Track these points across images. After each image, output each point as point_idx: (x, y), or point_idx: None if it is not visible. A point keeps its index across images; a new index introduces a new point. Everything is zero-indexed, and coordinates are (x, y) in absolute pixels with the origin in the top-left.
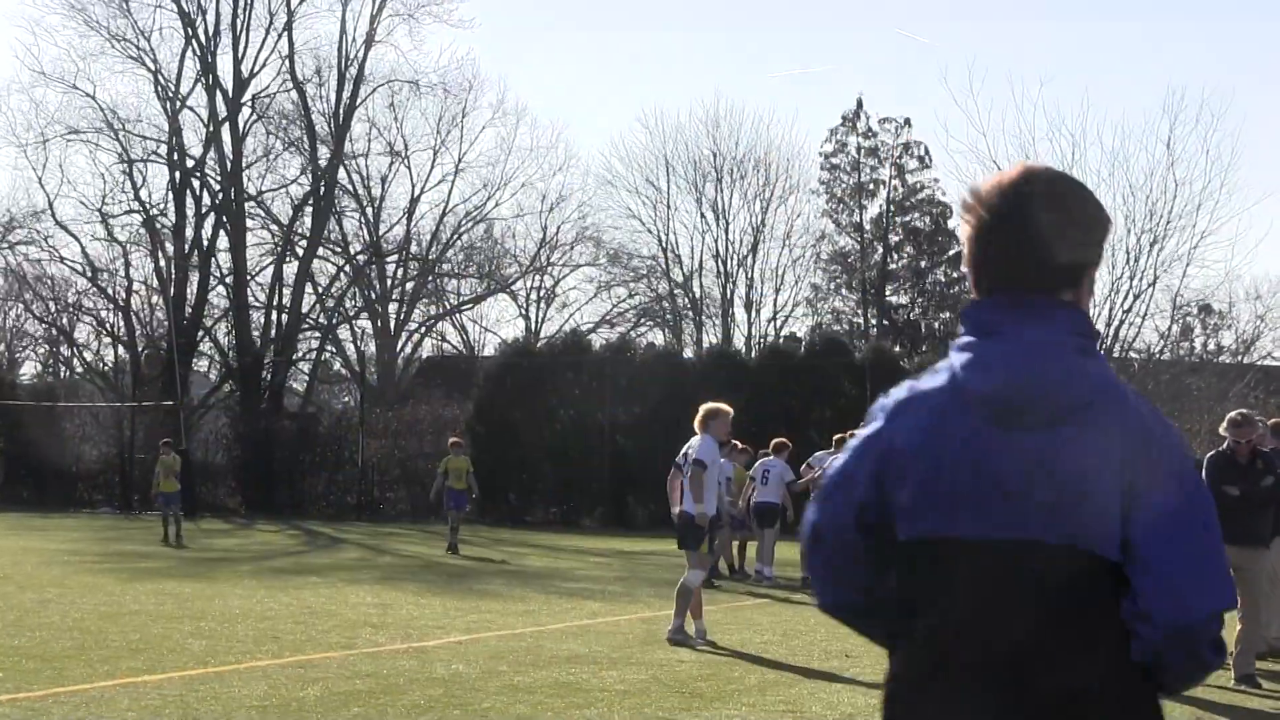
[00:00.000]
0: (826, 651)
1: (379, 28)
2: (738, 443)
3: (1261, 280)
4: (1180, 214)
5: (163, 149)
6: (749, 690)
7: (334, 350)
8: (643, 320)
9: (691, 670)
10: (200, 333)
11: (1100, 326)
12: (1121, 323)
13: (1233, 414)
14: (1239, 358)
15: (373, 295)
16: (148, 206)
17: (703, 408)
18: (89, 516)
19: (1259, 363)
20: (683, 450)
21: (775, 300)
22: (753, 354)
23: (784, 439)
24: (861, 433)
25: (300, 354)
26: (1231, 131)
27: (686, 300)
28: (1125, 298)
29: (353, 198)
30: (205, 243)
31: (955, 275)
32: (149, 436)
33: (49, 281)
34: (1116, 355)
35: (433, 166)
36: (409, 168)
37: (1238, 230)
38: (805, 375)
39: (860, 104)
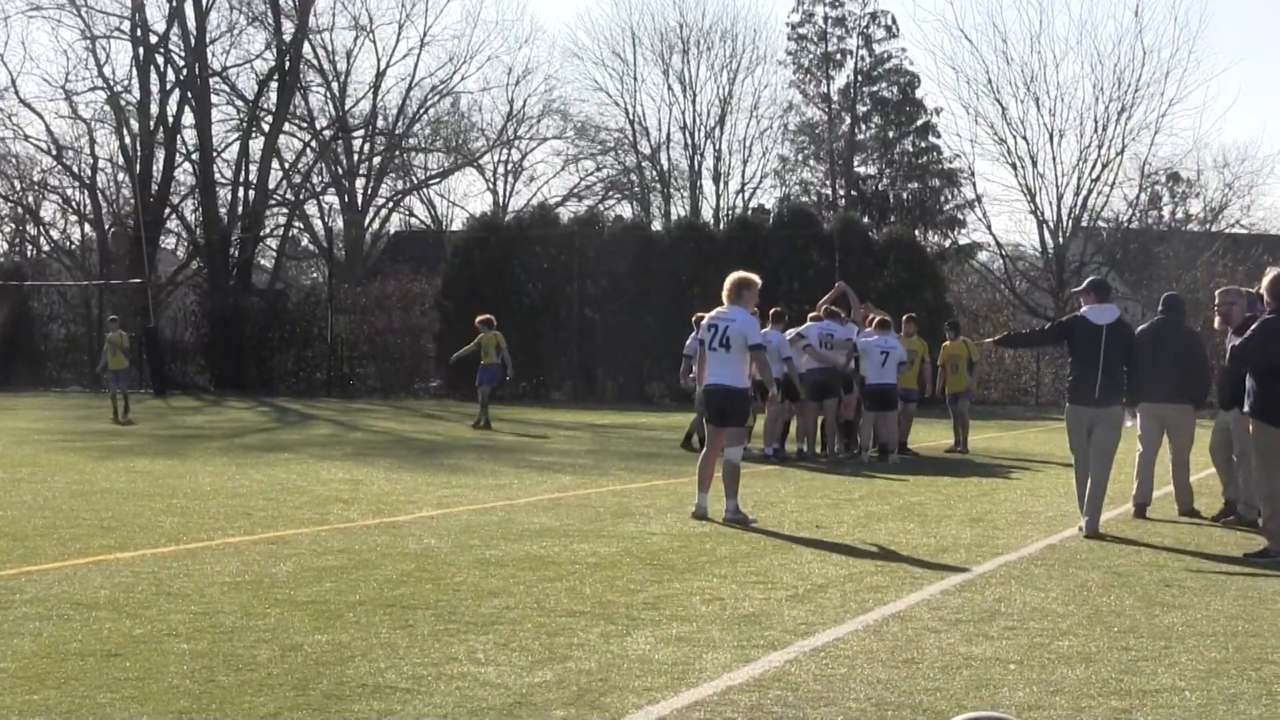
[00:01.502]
0: (798, 523)
1: None
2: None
3: (1230, 148)
4: (1148, 82)
5: (126, 25)
6: (720, 561)
7: (301, 226)
8: (610, 193)
9: (662, 542)
10: (167, 210)
11: (1068, 195)
12: (1090, 191)
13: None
14: (1207, 226)
15: (339, 171)
16: (111, 83)
17: (735, 277)
18: (58, 395)
19: (1227, 230)
20: (708, 323)
21: (743, 172)
22: (721, 226)
23: (779, 309)
24: None
25: (268, 230)
26: None
27: (654, 173)
28: (1093, 166)
29: (318, 73)
30: (170, 119)
31: (923, 145)
32: (118, 314)
33: (14, 160)
34: (1085, 224)
35: (398, 40)
36: (374, 42)
37: (1206, 98)
38: (774, 246)
39: None
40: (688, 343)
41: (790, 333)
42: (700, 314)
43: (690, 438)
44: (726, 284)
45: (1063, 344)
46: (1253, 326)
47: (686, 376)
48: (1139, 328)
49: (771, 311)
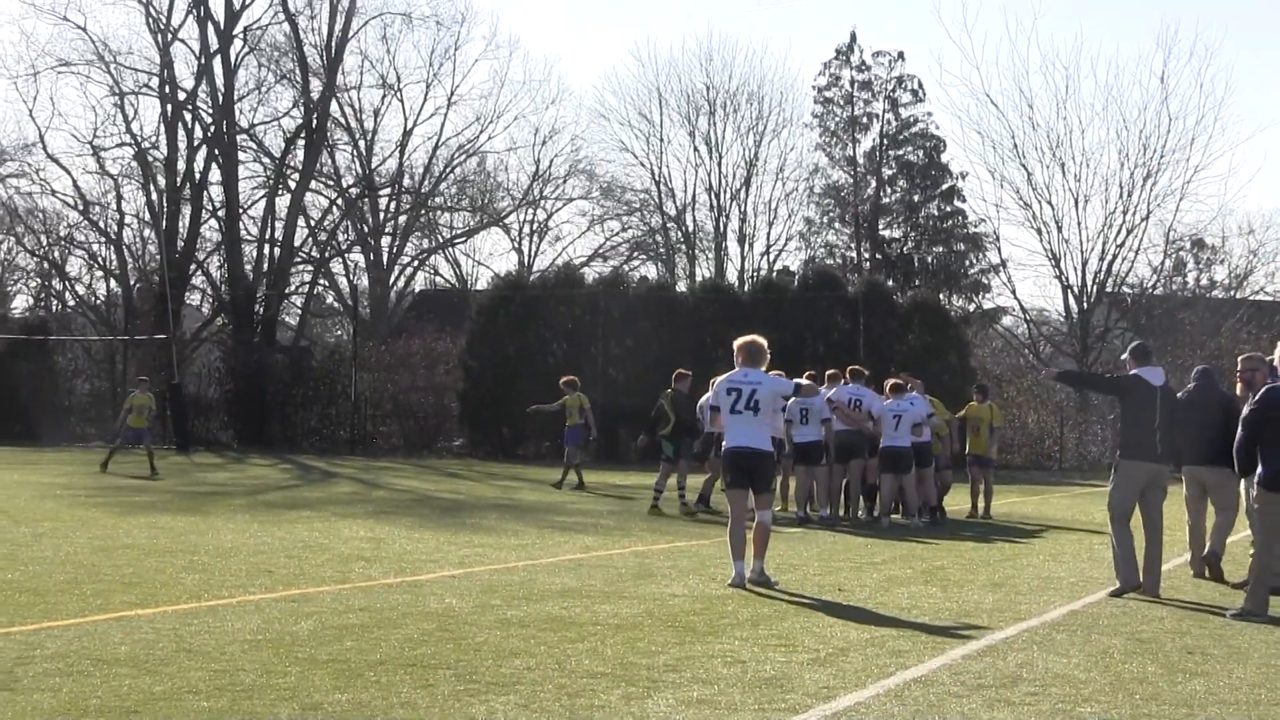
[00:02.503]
0: (820, 585)
1: None
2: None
3: (1254, 215)
4: (1174, 148)
5: (154, 82)
6: (741, 624)
7: (326, 284)
8: (636, 254)
9: (684, 604)
10: (192, 266)
11: (1093, 261)
12: (1115, 257)
13: None
14: (1231, 292)
15: (365, 229)
16: (139, 140)
17: (751, 340)
18: (81, 450)
19: (1251, 297)
20: (727, 387)
21: (768, 234)
22: (746, 288)
23: (815, 373)
24: None
25: (293, 288)
26: (1225, 66)
27: (679, 234)
28: (1119, 232)
29: (345, 131)
30: (197, 176)
31: (948, 209)
32: (141, 370)
33: (41, 215)
34: (1109, 290)
35: (425, 99)
36: (401, 101)
37: (1231, 165)
38: (798, 309)
39: (854, 37)
40: (705, 401)
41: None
42: (812, 374)
43: (700, 499)
44: (741, 345)
45: (1114, 397)
46: (1259, 394)
47: (711, 426)
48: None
49: (808, 375)
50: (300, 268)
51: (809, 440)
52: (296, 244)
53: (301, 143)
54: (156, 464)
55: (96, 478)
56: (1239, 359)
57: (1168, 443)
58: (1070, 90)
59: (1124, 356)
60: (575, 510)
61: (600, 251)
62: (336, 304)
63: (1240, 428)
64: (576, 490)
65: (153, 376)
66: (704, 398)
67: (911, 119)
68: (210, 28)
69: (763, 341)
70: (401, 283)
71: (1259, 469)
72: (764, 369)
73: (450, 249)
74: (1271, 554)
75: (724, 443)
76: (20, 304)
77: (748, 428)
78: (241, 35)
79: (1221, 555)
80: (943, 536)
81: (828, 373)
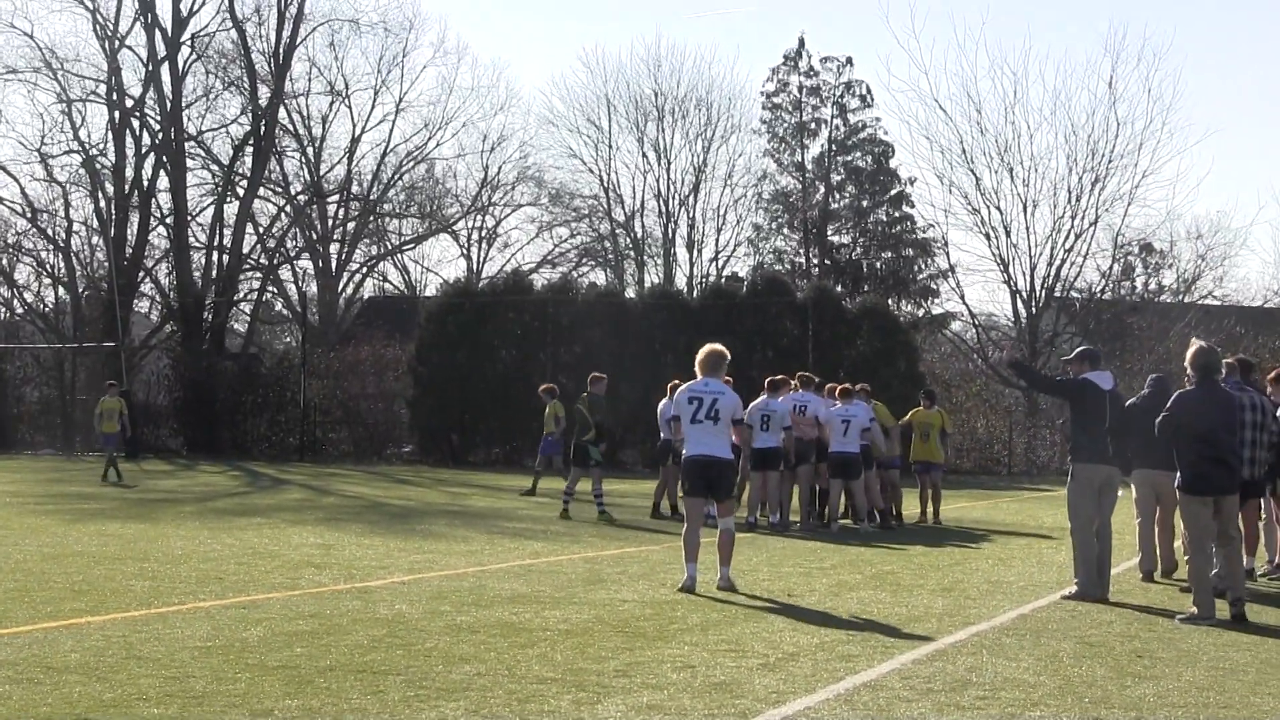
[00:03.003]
0: (769, 591)
1: None
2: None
3: (1202, 219)
4: (1122, 153)
5: (102, 89)
6: (691, 629)
7: (275, 291)
8: (585, 260)
9: (634, 610)
10: (141, 274)
11: (1042, 266)
12: (1063, 262)
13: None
14: (1180, 297)
15: (314, 236)
16: (87, 147)
17: (714, 350)
18: (30, 458)
19: (1200, 302)
20: (689, 396)
21: (717, 240)
22: (695, 294)
23: (784, 377)
24: None
25: (241, 295)
26: (1173, 71)
27: (628, 240)
28: (1067, 237)
29: (293, 138)
30: (145, 183)
31: (897, 215)
32: (90, 378)
33: None
34: (1058, 295)
35: (373, 106)
36: (350, 107)
37: (1179, 169)
38: (747, 315)
39: (802, 43)
40: (663, 407)
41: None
42: (676, 381)
43: (659, 506)
44: (703, 356)
45: (1063, 400)
46: (1172, 398)
47: (676, 438)
48: (1128, 400)
49: (769, 380)
50: (249, 275)
51: (768, 446)
52: (245, 251)
53: (250, 150)
54: (118, 470)
55: (46, 485)
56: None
57: (1121, 448)
58: (1018, 95)
59: (1067, 359)
60: (525, 516)
61: (549, 258)
62: (285, 311)
63: (1158, 432)
64: (526, 495)
65: (101, 384)
66: (662, 404)
67: (860, 124)
68: (158, 34)
69: (724, 352)
70: (350, 289)
71: (1180, 472)
72: (721, 378)
73: (399, 256)
74: (1205, 555)
75: (685, 451)
76: None
77: (708, 436)
78: (189, 42)
79: (1174, 562)
80: (892, 541)
81: (770, 380)
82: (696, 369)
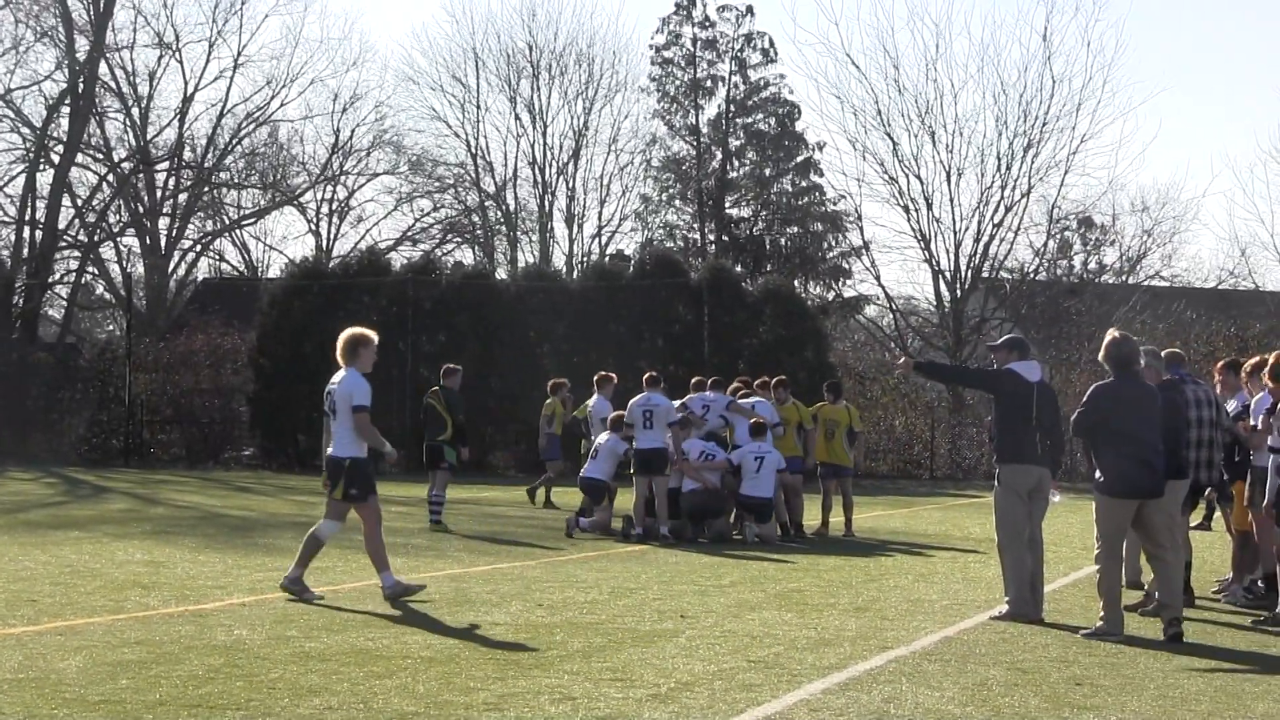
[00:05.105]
0: (660, 612)
1: None
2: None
3: (1149, 190)
4: (1058, 115)
5: None
6: (572, 656)
7: (96, 272)
8: (450, 236)
9: (507, 634)
10: None
11: (968, 242)
12: (992, 238)
13: None
14: (1123, 277)
15: (140, 209)
16: None
17: (351, 335)
18: None
19: (1145, 283)
20: (328, 387)
21: (600, 213)
22: (575, 274)
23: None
24: None
25: (57, 276)
26: (1115, 21)
27: (499, 214)
28: (995, 209)
29: (116, 97)
30: None
31: (804, 184)
32: None
33: None
34: (986, 275)
35: (208, 61)
36: (181, 62)
37: (1122, 133)
38: (635, 298)
39: None
40: (594, 404)
41: (675, 403)
42: (653, 374)
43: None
44: (343, 342)
45: (982, 392)
46: (1088, 393)
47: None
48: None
49: (646, 376)
50: (66, 253)
51: (651, 447)
52: (61, 226)
53: (66, 110)
54: None
55: None
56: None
57: (1054, 447)
58: (941, 49)
59: (991, 344)
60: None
61: (409, 234)
62: (108, 295)
63: (1071, 431)
64: (547, 508)
65: None
66: (592, 401)
67: (762, 82)
68: None
69: (363, 334)
70: (182, 270)
71: (1096, 473)
72: (361, 367)
73: (238, 231)
74: (1116, 561)
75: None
76: None
77: (339, 435)
78: None
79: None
80: (798, 555)
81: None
82: (338, 357)
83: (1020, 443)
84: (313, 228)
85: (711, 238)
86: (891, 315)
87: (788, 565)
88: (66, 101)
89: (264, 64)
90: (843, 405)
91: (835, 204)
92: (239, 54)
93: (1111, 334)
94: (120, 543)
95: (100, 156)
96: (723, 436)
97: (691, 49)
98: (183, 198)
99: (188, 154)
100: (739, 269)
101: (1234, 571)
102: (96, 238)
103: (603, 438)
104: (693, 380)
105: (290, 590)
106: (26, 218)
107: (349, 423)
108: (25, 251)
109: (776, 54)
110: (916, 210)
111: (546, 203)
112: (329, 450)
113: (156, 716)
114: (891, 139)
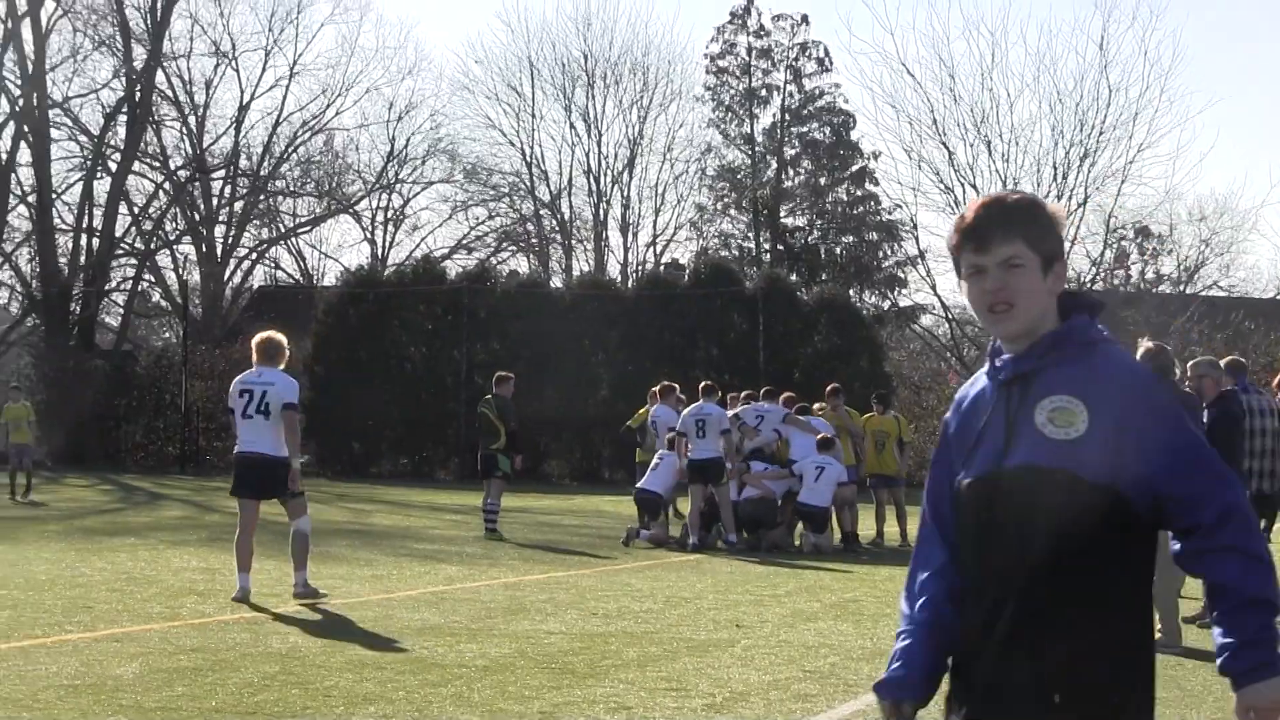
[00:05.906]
0: (715, 621)
1: None
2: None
3: (1206, 200)
4: (1115, 124)
5: None
6: (627, 665)
7: (152, 279)
8: (504, 245)
9: (562, 643)
10: None
11: None
12: None
13: None
14: (1181, 287)
15: (196, 216)
16: None
17: (275, 338)
18: None
19: (1203, 293)
20: (236, 387)
21: (655, 222)
22: (629, 283)
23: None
24: None
25: (114, 283)
26: (1173, 30)
27: (554, 222)
28: None
29: (173, 105)
30: (4, 156)
31: (859, 194)
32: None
33: None
34: None
35: (264, 70)
36: (237, 71)
37: (1179, 143)
38: (689, 307)
39: None
40: (655, 413)
41: (730, 413)
42: (709, 383)
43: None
44: (258, 342)
45: None
46: None
47: (683, 457)
48: None
49: (702, 385)
50: (123, 261)
51: (705, 457)
52: (118, 234)
53: (123, 118)
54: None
55: None
56: (1187, 365)
57: None
58: (997, 59)
59: None
60: (436, 537)
61: (464, 242)
62: (164, 302)
63: None
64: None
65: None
66: (655, 410)
67: (817, 91)
68: None
69: (281, 340)
70: (238, 278)
71: None
72: (281, 365)
73: (293, 240)
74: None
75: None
76: None
77: (257, 432)
78: None
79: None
80: (855, 565)
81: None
82: (253, 355)
83: None
84: (368, 236)
85: (766, 247)
86: (947, 324)
87: (843, 575)
88: (124, 110)
89: (319, 73)
90: (891, 415)
91: (890, 213)
92: (295, 63)
93: (1146, 344)
94: (176, 550)
95: (157, 164)
96: (771, 452)
97: (746, 58)
98: (239, 206)
99: (244, 162)
100: (794, 278)
101: None
102: (153, 245)
103: (666, 451)
104: (743, 394)
105: (304, 598)
106: (84, 225)
107: (281, 422)
108: (83, 259)
109: (831, 63)
110: None
111: (601, 211)
112: (256, 449)
113: None
114: (947, 148)
